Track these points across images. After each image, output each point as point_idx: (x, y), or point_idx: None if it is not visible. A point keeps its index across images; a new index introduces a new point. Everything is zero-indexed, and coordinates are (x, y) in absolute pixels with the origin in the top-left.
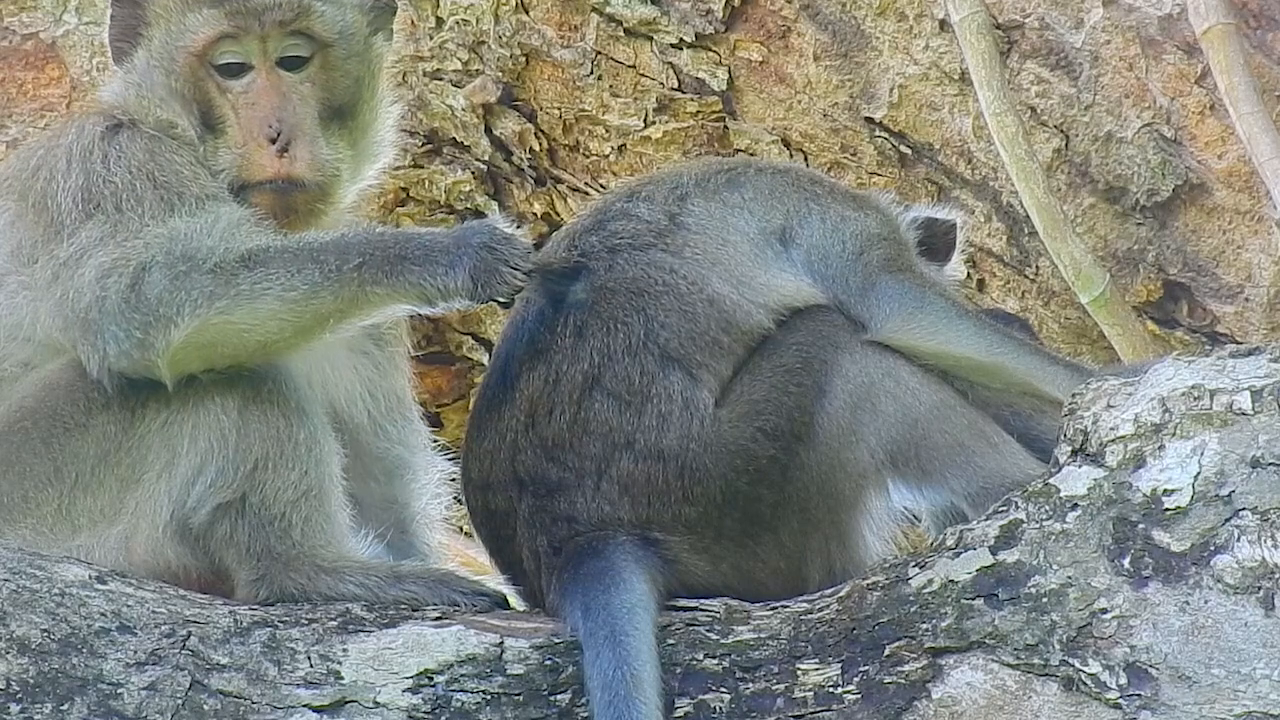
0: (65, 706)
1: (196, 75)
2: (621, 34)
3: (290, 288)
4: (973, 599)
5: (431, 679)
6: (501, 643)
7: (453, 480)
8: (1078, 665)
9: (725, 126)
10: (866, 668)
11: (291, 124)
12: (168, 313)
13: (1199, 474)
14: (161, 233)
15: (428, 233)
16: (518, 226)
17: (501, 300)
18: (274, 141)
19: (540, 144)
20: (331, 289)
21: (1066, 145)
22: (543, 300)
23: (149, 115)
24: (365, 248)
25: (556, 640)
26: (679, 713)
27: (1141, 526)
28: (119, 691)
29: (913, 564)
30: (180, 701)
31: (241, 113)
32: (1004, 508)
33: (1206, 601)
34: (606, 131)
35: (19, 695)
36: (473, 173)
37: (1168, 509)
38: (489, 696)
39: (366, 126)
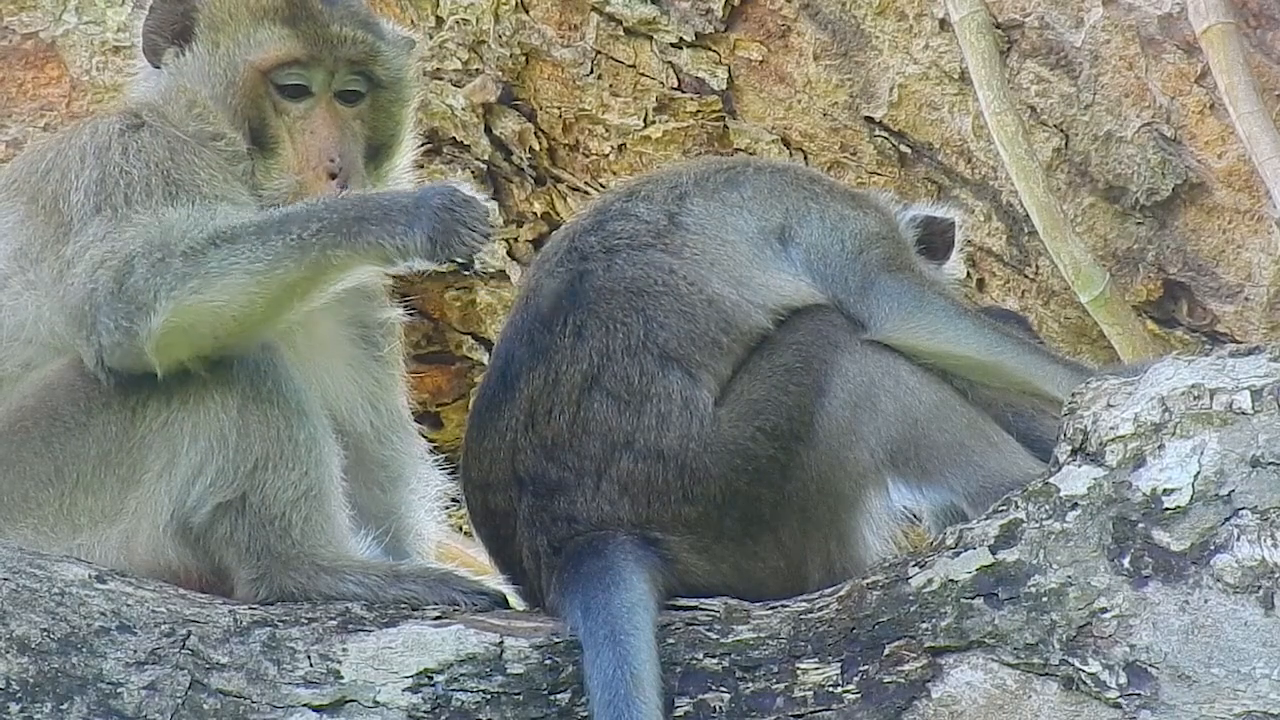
0: (65, 706)
1: (255, 90)
2: (621, 33)
3: (255, 260)
4: (972, 598)
5: (431, 678)
6: (501, 642)
7: (451, 493)
8: (1077, 665)
9: (725, 126)
10: (866, 667)
11: (349, 160)
12: (146, 300)
13: (1199, 473)
14: (151, 223)
15: (387, 194)
16: (519, 225)
17: (461, 261)
18: (334, 177)
19: (540, 143)
20: (294, 256)
21: (1066, 145)
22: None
23: (188, 124)
24: (325, 213)
25: (556, 640)
26: (679, 712)
27: (1141, 526)
28: (119, 691)
29: (913, 563)
30: (180, 701)
31: (298, 138)
32: (1004, 507)
33: (1206, 601)
34: (606, 131)
35: (19, 695)
36: (472, 172)
37: (1167, 508)
38: (489, 696)
39: (396, 165)
